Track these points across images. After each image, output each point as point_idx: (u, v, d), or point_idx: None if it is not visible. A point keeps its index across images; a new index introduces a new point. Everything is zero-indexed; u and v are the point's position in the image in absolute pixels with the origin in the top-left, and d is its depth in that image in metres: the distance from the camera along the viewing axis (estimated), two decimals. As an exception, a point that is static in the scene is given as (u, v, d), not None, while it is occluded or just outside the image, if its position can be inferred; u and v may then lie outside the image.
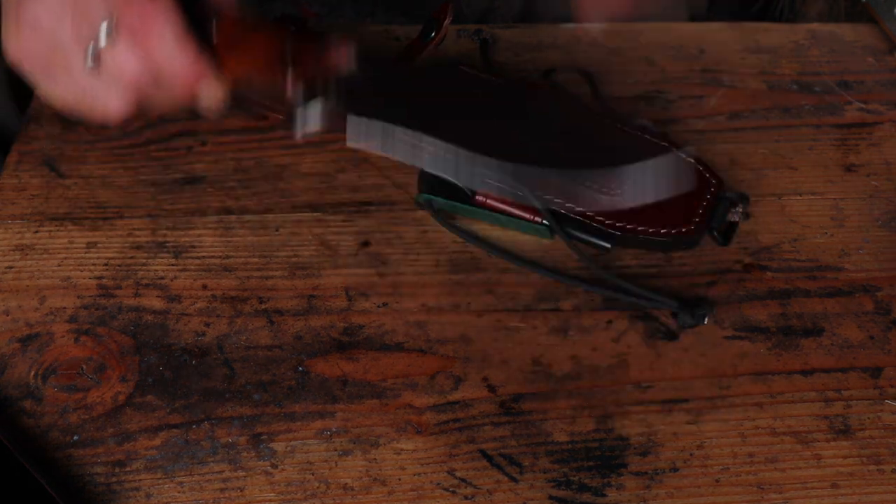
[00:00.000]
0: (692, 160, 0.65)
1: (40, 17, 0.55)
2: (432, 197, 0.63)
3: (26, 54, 0.55)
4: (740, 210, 0.64)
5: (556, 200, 0.62)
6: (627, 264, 0.63)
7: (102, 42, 0.54)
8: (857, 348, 0.60)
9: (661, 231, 0.62)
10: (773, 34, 0.80)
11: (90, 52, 0.54)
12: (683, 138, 0.70)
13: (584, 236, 0.62)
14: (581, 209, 0.62)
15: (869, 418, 0.56)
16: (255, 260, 0.60)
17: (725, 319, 0.60)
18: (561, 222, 0.62)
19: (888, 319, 0.61)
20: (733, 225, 0.64)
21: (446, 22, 0.62)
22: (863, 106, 0.74)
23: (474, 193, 0.62)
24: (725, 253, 0.64)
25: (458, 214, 0.64)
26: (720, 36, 0.79)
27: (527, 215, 0.62)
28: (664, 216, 0.63)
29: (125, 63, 0.55)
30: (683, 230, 0.62)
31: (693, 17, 0.90)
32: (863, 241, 0.65)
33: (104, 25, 0.54)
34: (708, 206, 0.64)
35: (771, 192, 0.68)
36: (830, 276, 0.63)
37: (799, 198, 0.68)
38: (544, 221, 0.62)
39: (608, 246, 0.62)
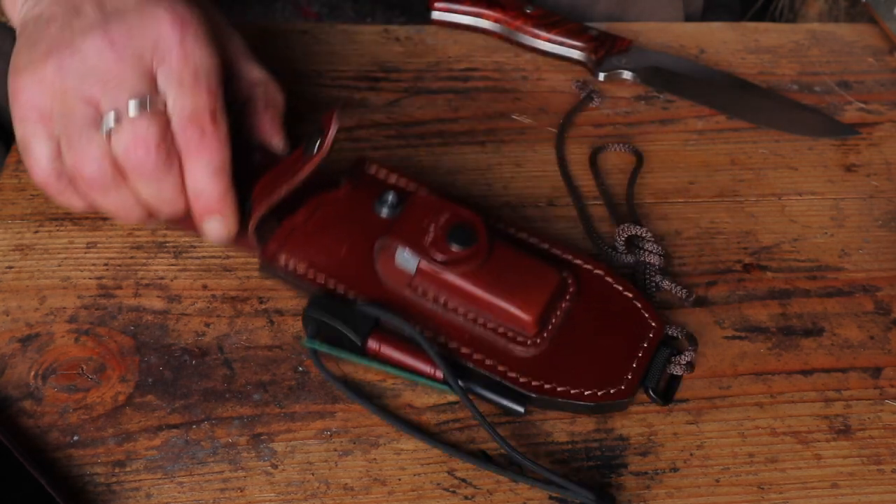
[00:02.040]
0: (629, 294, 0.57)
1: (65, 67, 0.51)
2: (317, 346, 0.55)
3: (29, 98, 0.52)
4: (686, 361, 0.55)
5: (462, 350, 0.55)
6: (627, 264, 0.63)
7: (111, 123, 0.52)
8: (857, 348, 0.60)
9: (586, 393, 0.54)
10: (773, 34, 0.80)
11: (111, 114, 0.52)
12: (683, 139, 0.70)
13: (492, 397, 0.54)
14: (491, 363, 0.54)
15: (869, 418, 0.57)
16: (255, 260, 0.60)
17: (725, 319, 0.60)
18: (465, 378, 0.54)
19: (888, 319, 0.61)
20: (676, 379, 0.56)
21: (331, 133, 0.53)
22: (863, 106, 0.74)
23: (366, 341, 0.55)
24: (725, 253, 0.64)
25: (353, 363, 0.56)
26: (720, 36, 0.79)
27: (426, 368, 0.54)
28: (590, 372, 0.54)
29: (141, 140, 0.52)
30: (613, 392, 0.54)
31: (688, 17, 0.90)
32: (863, 241, 0.65)
33: (133, 103, 0.52)
34: (644, 356, 0.55)
35: (771, 192, 0.68)
36: (830, 276, 0.63)
37: (799, 198, 0.68)
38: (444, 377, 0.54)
39: (521, 410, 0.54)
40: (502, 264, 0.56)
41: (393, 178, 0.62)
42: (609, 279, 0.58)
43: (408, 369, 0.54)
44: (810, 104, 0.74)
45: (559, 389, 0.54)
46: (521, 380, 0.54)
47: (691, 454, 0.54)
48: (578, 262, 0.59)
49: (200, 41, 0.53)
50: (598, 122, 0.71)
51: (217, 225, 0.56)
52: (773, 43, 0.79)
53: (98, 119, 0.52)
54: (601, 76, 0.73)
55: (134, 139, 0.52)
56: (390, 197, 0.59)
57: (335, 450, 0.53)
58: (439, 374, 0.54)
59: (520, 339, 0.55)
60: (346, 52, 0.73)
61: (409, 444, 0.54)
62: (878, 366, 0.59)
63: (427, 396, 0.56)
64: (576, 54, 0.74)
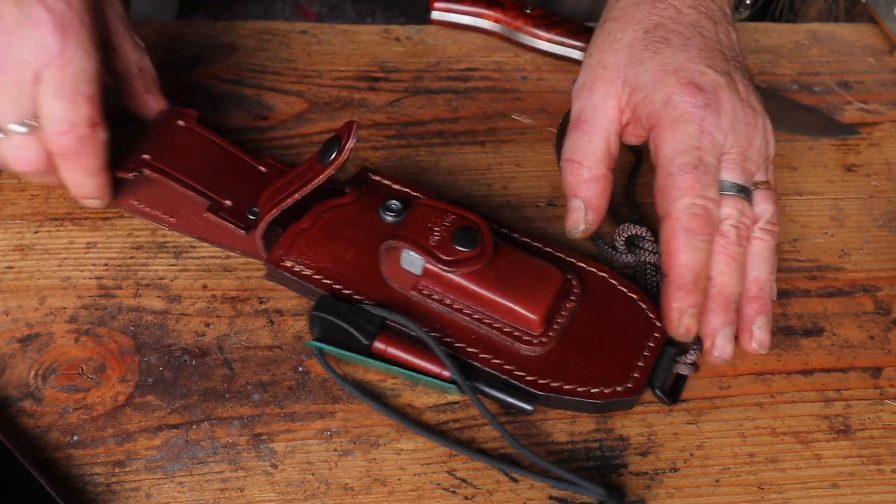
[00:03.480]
0: (634, 296, 0.58)
1: None
2: (322, 346, 0.55)
3: None
4: (690, 360, 0.56)
5: (468, 349, 0.55)
6: (627, 264, 0.63)
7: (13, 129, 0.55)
8: (857, 348, 0.60)
9: (593, 391, 0.54)
10: (773, 34, 0.80)
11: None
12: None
13: (499, 395, 0.54)
14: (497, 361, 0.55)
15: (869, 418, 0.57)
16: (255, 260, 0.60)
17: (725, 319, 0.60)
18: (472, 378, 0.54)
19: (888, 319, 0.61)
20: (681, 379, 0.57)
21: (349, 144, 0.53)
22: (863, 106, 0.74)
23: (372, 342, 0.55)
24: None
25: (353, 363, 0.56)
26: (720, 36, 0.79)
27: (432, 368, 0.54)
28: (597, 371, 0.54)
29: (23, 156, 0.56)
30: (620, 390, 0.54)
31: None
32: (863, 241, 0.65)
33: (14, 126, 0.54)
34: (651, 356, 0.55)
35: (771, 192, 0.67)
36: (830, 276, 0.63)
37: (799, 198, 0.68)
38: (451, 376, 0.54)
39: (529, 409, 0.54)
40: (507, 265, 0.56)
41: (397, 187, 0.62)
42: (613, 281, 0.58)
43: (414, 369, 0.54)
44: (810, 104, 0.74)
45: (566, 387, 0.54)
46: (528, 378, 0.54)
47: (691, 454, 0.54)
48: (582, 264, 0.59)
49: (81, 46, 0.54)
50: (598, 122, 0.71)
51: (96, 203, 0.60)
52: (773, 43, 0.79)
53: None
54: (583, 59, 0.73)
55: (15, 154, 0.56)
56: (394, 203, 0.59)
57: (335, 450, 0.53)
58: (446, 374, 0.54)
59: (526, 338, 0.55)
60: (346, 52, 0.73)
61: (409, 444, 0.54)
62: (878, 366, 0.59)
63: (427, 396, 0.56)
64: (576, 54, 0.74)
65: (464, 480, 0.53)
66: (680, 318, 0.54)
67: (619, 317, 0.57)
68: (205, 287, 0.59)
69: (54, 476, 0.51)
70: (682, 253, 0.53)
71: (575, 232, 0.58)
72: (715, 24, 0.59)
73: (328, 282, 0.57)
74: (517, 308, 0.55)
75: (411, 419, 0.54)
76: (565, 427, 0.55)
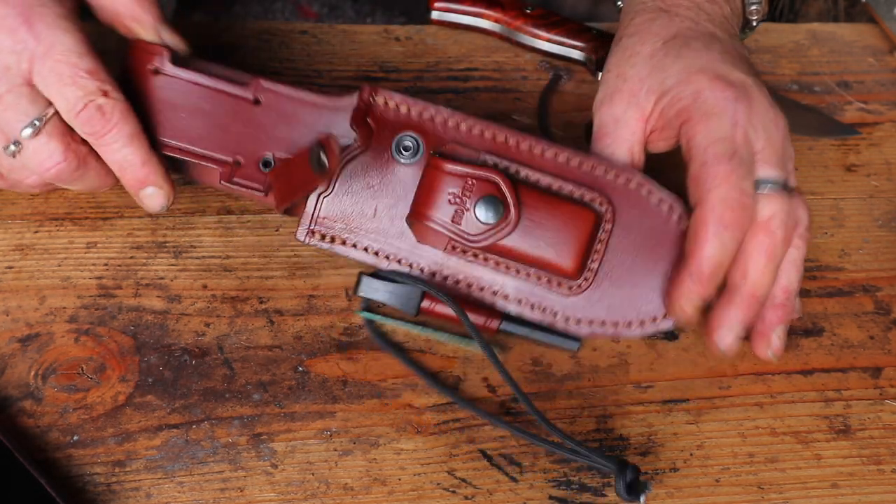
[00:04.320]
0: (669, 208, 0.56)
1: None
2: (371, 316, 0.58)
3: None
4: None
5: (508, 301, 0.57)
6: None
7: (14, 149, 0.53)
8: (857, 348, 0.60)
9: (635, 325, 0.56)
10: (773, 34, 0.80)
11: (10, 144, 0.53)
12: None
13: (546, 338, 0.56)
14: (538, 312, 0.56)
15: (869, 418, 0.57)
16: (255, 260, 0.60)
17: (725, 319, 0.60)
18: (518, 323, 0.57)
19: (888, 319, 0.61)
20: None
21: (335, 164, 0.53)
22: (863, 106, 0.74)
23: (419, 304, 0.56)
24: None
25: (404, 328, 0.58)
26: (720, 36, 0.79)
27: (479, 320, 0.56)
28: (638, 303, 0.56)
29: (47, 156, 0.53)
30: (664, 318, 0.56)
31: None
32: (863, 241, 0.65)
33: (26, 131, 0.52)
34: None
35: (771, 192, 0.67)
36: (830, 276, 0.63)
37: (799, 198, 0.68)
38: (500, 326, 0.56)
39: (576, 346, 0.57)
40: (536, 219, 0.55)
41: (405, 110, 0.58)
42: (645, 191, 0.56)
43: (463, 317, 0.55)
44: (810, 104, 0.74)
45: (610, 328, 0.56)
46: (571, 325, 0.56)
47: (691, 454, 0.54)
48: (609, 177, 0.57)
49: (54, 25, 0.52)
50: (598, 122, 0.71)
51: (153, 193, 0.56)
52: (773, 43, 0.79)
53: (5, 146, 0.53)
54: (601, 76, 0.73)
55: (40, 159, 0.53)
56: (408, 140, 0.57)
57: (335, 450, 0.53)
58: (494, 325, 0.56)
59: (563, 284, 0.56)
60: (346, 52, 0.73)
61: (409, 444, 0.54)
62: (878, 366, 0.59)
63: (427, 396, 0.56)
64: (576, 54, 0.74)
65: (464, 480, 0.53)
66: (683, 305, 0.53)
67: (656, 233, 0.56)
68: (205, 287, 0.59)
69: (54, 476, 0.51)
70: (707, 244, 0.52)
71: None
72: (730, 36, 0.59)
73: (360, 246, 0.57)
74: (552, 262, 0.55)
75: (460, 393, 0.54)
76: (565, 427, 0.55)
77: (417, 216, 0.55)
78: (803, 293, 0.62)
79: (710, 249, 0.52)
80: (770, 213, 0.52)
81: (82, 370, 0.55)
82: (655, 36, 0.58)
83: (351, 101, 0.57)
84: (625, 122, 0.56)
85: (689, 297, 0.53)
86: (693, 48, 0.56)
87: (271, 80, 0.57)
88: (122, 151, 0.54)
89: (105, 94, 0.53)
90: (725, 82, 0.54)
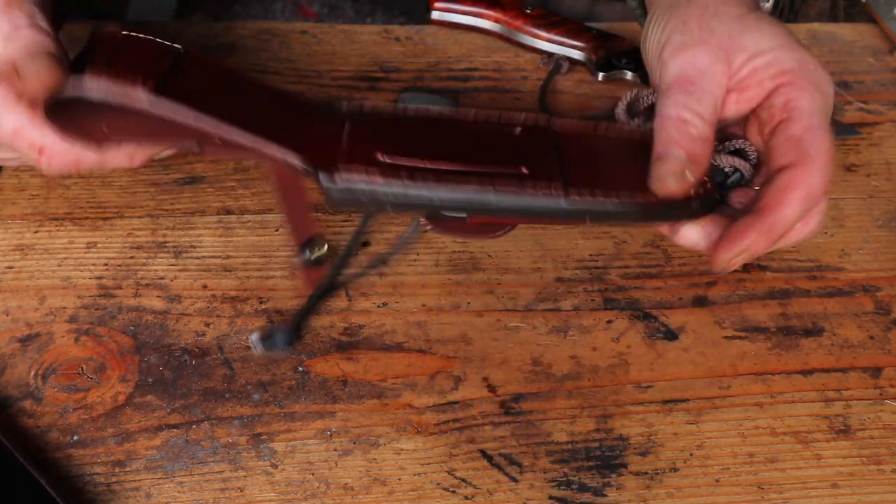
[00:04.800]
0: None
1: None
2: None
3: None
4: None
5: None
6: (627, 264, 0.63)
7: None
8: (857, 348, 0.60)
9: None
10: (773, 34, 0.80)
11: None
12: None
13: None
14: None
15: (869, 418, 0.57)
16: (255, 260, 0.60)
17: (726, 319, 0.60)
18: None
19: (888, 319, 0.61)
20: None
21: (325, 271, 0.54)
22: (863, 106, 0.74)
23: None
24: (725, 253, 0.63)
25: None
26: (720, 36, 0.79)
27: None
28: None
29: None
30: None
31: None
32: (863, 241, 0.65)
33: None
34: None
35: (771, 192, 0.67)
36: (830, 276, 0.63)
37: (799, 198, 0.68)
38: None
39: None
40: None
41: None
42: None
43: None
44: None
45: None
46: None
47: (691, 454, 0.54)
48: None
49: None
50: (598, 122, 0.71)
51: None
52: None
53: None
54: (601, 76, 0.73)
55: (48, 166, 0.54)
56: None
57: (335, 450, 0.53)
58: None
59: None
60: (346, 52, 0.73)
61: (409, 444, 0.54)
62: (878, 366, 0.59)
63: (427, 396, 0.56)
64: (576, 54, 0.74)
65: (464, 480, 0.53)
66: (739, 258, 0.52)
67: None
68: (205, 287, 0.59)
69: (54, 476, 0.51)
70: (791, 207, 0.51)
71: (669, 179, 0.51)
72: None
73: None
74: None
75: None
76: (565, 427, 0.55)
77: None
78: (803, 293, 0.62)
79: (792, 213, 0.51)
80: None
81: (82, 370, 0.55)
82: (739, 2, 0.56)
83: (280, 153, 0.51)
84: (712, 75, 0.54)
85: (749, 251, 0.52)
86: (780, 25, 0.56)
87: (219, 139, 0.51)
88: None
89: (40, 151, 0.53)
90: (825, 66, 0.54)
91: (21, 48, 0.52)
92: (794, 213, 0.51)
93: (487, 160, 0.51)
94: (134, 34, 0.52)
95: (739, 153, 0.55)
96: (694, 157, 0.51)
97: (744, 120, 0.56)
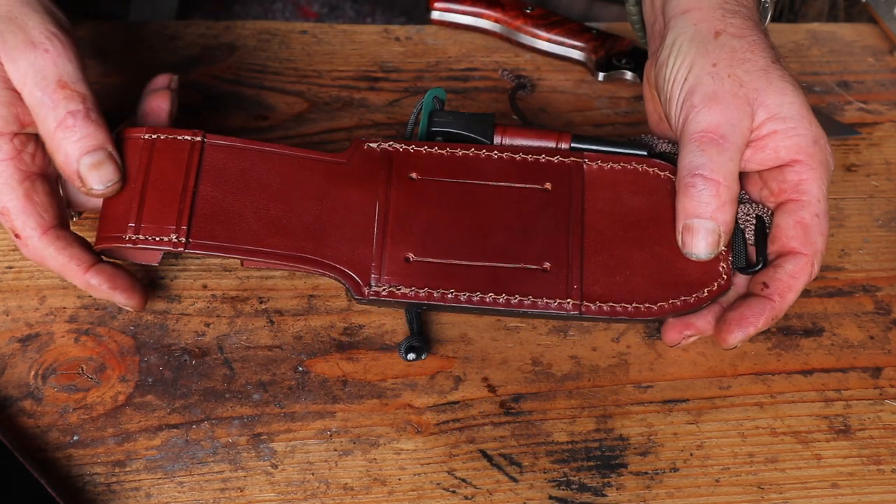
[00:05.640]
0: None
1: None
2: None
3: None
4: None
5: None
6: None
7: None
8: (857, 348, 0.60)
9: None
10: (773, 34, 0.79)
11: None
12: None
13: (617, 150, 0.58)
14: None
15: (869, 418, 0.57)
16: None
17: (725, 319, 0.60)
18: (588, 140, 0.58)
19: (888, 319, 0.61)
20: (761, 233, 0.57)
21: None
22: (863, 106, 0.74)
23: (492, 135, 0.58)
24: (725, 253, 0.63)
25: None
26: (720, 36, 0.79)
27: (549, 144, 0.58)
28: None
29: None
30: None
31: None
32: (863, 241, 0.65)
33: None
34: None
35: (771, 192, 0.67)
36: (830, 276, 0.63)
37: (799, 198, 0.68)
38: (571, 145, 0.58)
39: (645, 153, 0.58)
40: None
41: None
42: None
43: (533, 151, 0.57)
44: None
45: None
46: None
47: (691, 454, 0.54)
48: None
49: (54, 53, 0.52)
50: (598, 122, 0.71)
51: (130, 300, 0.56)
52: (773, 43, 0.79)
53: None
54: (601, 76, 0.73)
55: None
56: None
57: (335, 450, 0.53)
58: (564, 146, 0.58)
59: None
60: (346, 52, 0.73)
61: (409, 444, 0.54)
62: (878, 366, 0.59)
63: (427, 396, 0.56)
64: (576, 54, 0.74)
65: (464, 480, 0.53)
66: (744, 339, 0.54)
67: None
68: (205, 287, 0.59)
69: (54, 476, 0.51)
70: (795, 294, 0.55)
71: (703, 254, 0.54)
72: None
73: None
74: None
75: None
76: (565, 427, 0.55)
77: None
78: (803, 293, 0.62)
79: (796, 296, 0.55)
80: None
81: (82, 370, 0.55)
82: (764, 51, 0.56)
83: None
84: (740, 130, 0.54)
85: (757, 331, 0.54)
86: (798, 88, 0.56)
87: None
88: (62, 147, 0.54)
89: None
90: (827, 144, 0.56)
91: (83, 148, 0.53)
92: (797, 296, 0.55)
93: (513, 250, 0.55)
94: (158, 137, 0.55)
95: (751, 203, 0.57)
96: (726, 227, 0.54)
97: (744, 173, 0.57)
